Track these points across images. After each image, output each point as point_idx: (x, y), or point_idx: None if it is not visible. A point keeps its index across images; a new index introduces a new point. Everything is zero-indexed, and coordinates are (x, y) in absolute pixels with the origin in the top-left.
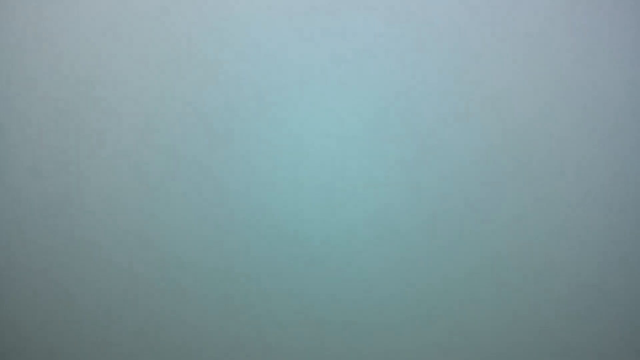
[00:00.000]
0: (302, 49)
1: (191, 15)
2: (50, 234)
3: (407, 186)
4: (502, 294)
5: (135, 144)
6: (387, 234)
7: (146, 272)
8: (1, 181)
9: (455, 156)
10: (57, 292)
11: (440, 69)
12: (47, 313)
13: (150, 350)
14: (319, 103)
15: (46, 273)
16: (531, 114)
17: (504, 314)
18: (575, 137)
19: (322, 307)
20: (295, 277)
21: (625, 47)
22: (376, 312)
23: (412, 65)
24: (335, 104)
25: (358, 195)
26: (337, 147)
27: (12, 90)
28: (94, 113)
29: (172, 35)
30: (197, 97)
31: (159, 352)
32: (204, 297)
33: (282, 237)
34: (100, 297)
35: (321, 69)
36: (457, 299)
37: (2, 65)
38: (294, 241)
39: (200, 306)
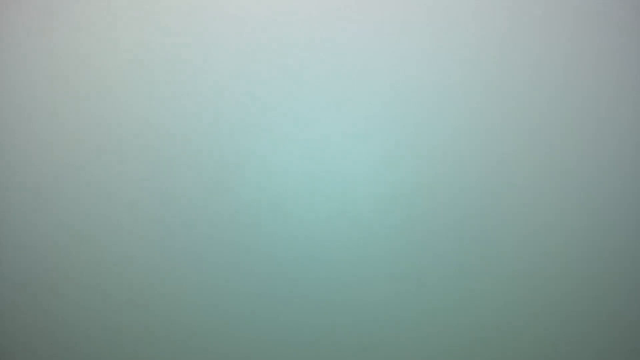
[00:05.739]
0: (308, 49)
1: (193, 15)
2: (53, 234)
3: (410, 187)
4: (505, 294)
5: (138, 145)
6: (392, 235)
7: (147, 272)
8: (3, 182)
9: (460, 156)
10: (61, 293)
11: (443, 68)
12: (47, 313)
13: (152, 351)
14: (324, 103)
15: (49, 274)
16: (533, 115)
17: (507, 314)
18: (575, 137)
19: (327, 307)
20: (300, 277)
21: (627, 47)
22: (381, 312)
23: (415, 66)
24: (339, 104)
25: (364, 196)
26: (340, 148)
27: (15, 91)
28: (100, 114)
29: (177, 36)
30: (204, 96)
31: (161, 352)
32: (206, 297)
33: (286, 238)
34: (102, 297)
35: (327, 68)
36: (463, 299)
37: (2, 66)
38: (298, 242)
39: (202, 306)
